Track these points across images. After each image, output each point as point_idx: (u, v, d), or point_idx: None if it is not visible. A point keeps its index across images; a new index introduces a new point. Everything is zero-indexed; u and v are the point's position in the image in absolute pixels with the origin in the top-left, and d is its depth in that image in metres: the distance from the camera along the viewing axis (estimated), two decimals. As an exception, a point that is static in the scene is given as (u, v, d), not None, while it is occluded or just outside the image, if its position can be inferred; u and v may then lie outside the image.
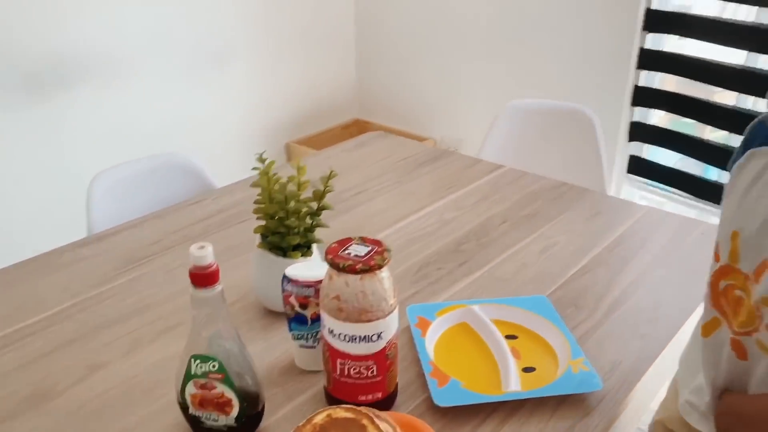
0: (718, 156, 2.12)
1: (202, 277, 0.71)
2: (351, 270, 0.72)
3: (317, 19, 2.77)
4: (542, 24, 2.34)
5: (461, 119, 2.71)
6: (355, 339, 0.75)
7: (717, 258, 0.73)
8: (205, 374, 0.74)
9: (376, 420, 0.69)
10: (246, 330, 0.97)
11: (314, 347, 0.87)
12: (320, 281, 0.82)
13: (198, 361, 0.74)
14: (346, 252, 0.75)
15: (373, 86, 3.01)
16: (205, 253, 0.70)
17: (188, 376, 0.75)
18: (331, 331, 0.76)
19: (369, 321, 0.74)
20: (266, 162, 0.95)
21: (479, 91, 2.62)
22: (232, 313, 1.00)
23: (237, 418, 0.76)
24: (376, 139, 1.71)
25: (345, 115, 3.05)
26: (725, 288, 0.72)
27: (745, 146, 0.75)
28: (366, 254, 0.74)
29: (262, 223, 0.97)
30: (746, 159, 0.73)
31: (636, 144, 2.31)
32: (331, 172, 0.96)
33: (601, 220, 1.29)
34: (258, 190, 0.97)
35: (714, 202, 2.18)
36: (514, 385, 0.84)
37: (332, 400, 0.81)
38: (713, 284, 0.73)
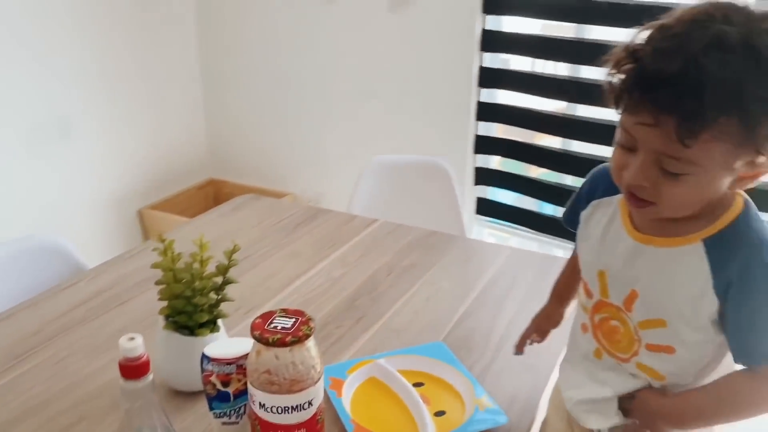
0: (550, 193, 2.37)
1: (134, 369, 0.70)
2: (281, 343, 0.76)
3: (162, 80, 2.74)
4: (392, 81, 2.50)
5: (318, 172, 2.79)
6: (288, 410, 0.78)
7: (589, 294, 0.86)
8: (140, 468, 0.73)
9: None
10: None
11: (237, 422, 0.88)
12: (241, 357, 0.84)
13: (131, 457, 0.72)
14: (273, 326, 0.78)
15: (225, 144, 3.01)
16: (135, 345, 0.70)
17: (120, 475, 0.73)
18: (262, 406, 0.78)
19: (300, 390, 0.77)
20: (165, 242, 0.96)
21: (334, 144, 2.71)
22: (137, 398, 0.98)
23: (174, 508, 0.75)
24: (249, 202, 1.73)
25: (199, 175, 3.01)
26: (600, 321, 0.84)
27: (588, 194, 0.89)
28: (292, 326, 0.78)
29: (164, 303, 0.97)
30: (592, 208, 0.88)
31: (481, 187, 2.53)
32: (235, 245, 0.98)
33: (474, 264, 1.41)
34: (158, 271, 0.97)
35: (551, 234, 2.42)
36: (430, 430, 0.91)
37: (264, 471, 0.82)
38: (591, 318, 0.85)
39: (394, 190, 1.92)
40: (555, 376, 1.05)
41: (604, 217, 0.85)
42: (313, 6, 2.54)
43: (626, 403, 0.82)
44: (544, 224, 2.44)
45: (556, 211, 2.46)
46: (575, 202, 0.93)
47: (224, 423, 0.88)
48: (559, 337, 1.13)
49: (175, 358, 0.96)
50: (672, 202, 0.72)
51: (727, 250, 0.72)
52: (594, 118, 2.22)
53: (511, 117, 2.39)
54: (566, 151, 2.35)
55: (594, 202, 0.88)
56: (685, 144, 0.65)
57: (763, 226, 0.74)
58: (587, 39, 2.17)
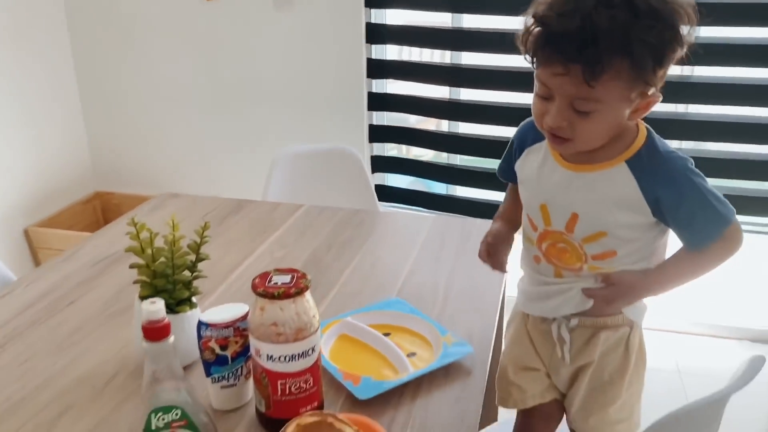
0: (442, 173, 2.55)
1: (157, 331, 0.75)
2: (286, 296, 0.83)
3: (38, 95, 2.61)
4: (282, 79, 2.55)
5: (211, 174, 2.78)
6: (295, 357, 0.85)
7: (534, 227, 1.00)
8: (167, 425, 0.77)
9: (338, 417, 0.80)
10: (146, 393, 0.98)
11: (235, 384, 0.93)
12: (237, 320, 0.90)
13: (160, 413, 0.76)
14: (272, 283, 0.85)
15: (108, 156, 2.91)
16: (158, 308, 0.74)
17: (148, 433, 0.77)
18: (270, 357, 0.85)
19: (304, 338, 0.85)
20: (137, 225, 0.98)
21: (224, 145, 2.72)
22: (119, 385, 1.00)
23: (200, 461, 0.80)
24: (168, 201, 1.73)
25: (84, 189, 2.89)
26: (548, 248, 0.99)
27: (519, 145, 1.05)
28: (291, 280, 0.85)
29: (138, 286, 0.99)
30: (525, 154, 1.03)
31: (379, 174, 2.66)
32: (206, 223, 1.02)
33: (404, 233, 1.53)
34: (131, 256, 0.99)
35: (444, 211, 2.59)
36: (409, 368, 1.01)
37: (271, 422, 0.88)
38: (539, 247, 1.00)
39: (305, 179, 1.99)
40: (501, 312, 1.20)
41: (537, 159, 1.00)
42: (193, 7, 2.54)
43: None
44: (436, 203, 2.62)
45: (447, 189, 2.65)
46: (507, 156, 1.07)
47: (223, 387, 0.92)
48: (493, 280, 1.28)
49: (157, 337, 0.99)
50: (586, 136, 0.89)
51: (648, 166, 0.89)
52: (476, 101, 2.43)
53: (401, 105, 2.54)
54: (453, 133, 2.54)
55: (527, 150, 1.03)
56: (591, 85, 0.82)
57: (665, 143, 0.93)
58: (465, 27, 2.36)
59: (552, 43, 0.83)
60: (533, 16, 0.86)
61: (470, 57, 2.39)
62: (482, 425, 1.51)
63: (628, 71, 0.82)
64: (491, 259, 1.09)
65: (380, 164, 2.64)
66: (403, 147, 2.70)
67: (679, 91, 2.15)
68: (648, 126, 0.94)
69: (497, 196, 2.48)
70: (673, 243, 0.98)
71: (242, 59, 2.58)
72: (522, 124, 1.06)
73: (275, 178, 1.94)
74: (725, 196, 0.91)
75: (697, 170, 0.90)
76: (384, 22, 2.45)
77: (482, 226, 1.52)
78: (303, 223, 1.58)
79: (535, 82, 0.90)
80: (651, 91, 0.87)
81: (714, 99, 2.14)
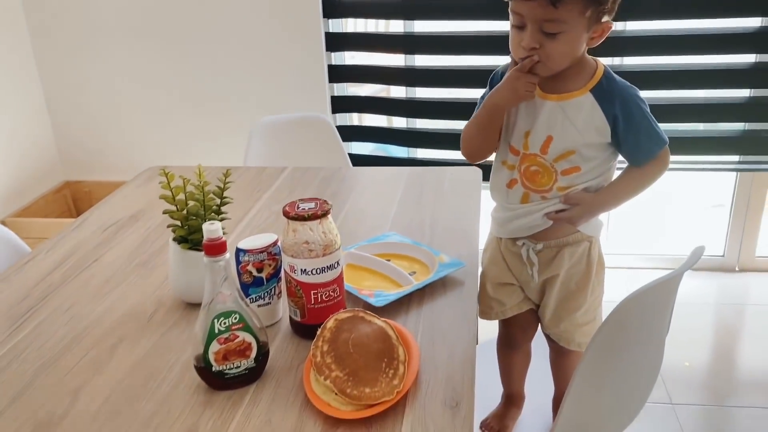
0: (404, 138, 2.72)
1: (217, 247, 0.89)
2: (314, 217, 0.98)
3: (1, 89, 2.65)
4: (244, 56, 2.67)
5: (183, 152, 2.86)
6: (324, 269, 1.00)
7: (516, 152, 1.18)
8: (228, 328, 0.92)
9: (368, 313, 0.97)
10: (187, 326, 1.11)
11: (270, 303, 1.08)
12: (269, 245, 1.05)
13: (221, 318, 0.91)
14: (301, 209, 1.00)
15: (75, 145, 2.96)
16: (216, 227, 0.89)
17: (211, 336, 0.91)
18: (304, 271, 1.00)
19: (331, 253, 1.00)
20: (168, 174, 1.11)
21: (191, 123, 2.81)
22: (160, 319, 1.14)
23: (255, 358, 0.95)
24: (153, 175, 1.84)
25: (53, 179, 2.94)
26: (525, 169, 1.17)
27: (491, 88, 1.22)
28: (317, 206, 1.00)
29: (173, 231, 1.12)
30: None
31: (344, 143, 2.80)
32: (228, 170, 1.16)
33: (386, 183, 1.69)
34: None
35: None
36: (413, 282, 1.18)
37: (305, 328, 1.04)
38: (519, 169, 1.18)
39: (282, 147, 2.12)
40: (482, 238, 1.38)
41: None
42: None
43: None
44: (399, 166, 2.78)
45: (408, 152, 2.82)
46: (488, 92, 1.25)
47: (260, 305, 1.07)
48: (469, 212, 1.46)
49: (192, 272, 1.12)
50: (555, 55, 1.07)
51: (607, 94, 1.09)
52: (430, 67, 2.60)
53: (361, 75, 2.69)
54: (411, 98, 2.70)
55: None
56: (555, 6, 1.00)
57: (618, 76, 1.12)
58: (416, -2, 2.52)
59: None
60: None
61: (423, 25, 2.55)
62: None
63: None
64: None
65: (344, 134, 2.78)
66: (365, 116, 2.85)
67: (616, 44, 2.37)
68: (603, 63, 1.13)
69: (457, 155, 2.67)
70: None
71: (204, 39, 2.67)
72: (501, 66, 1.23)
73: (253, 148, 2.07)
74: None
75: (643, 97, 1.11)
76: (339, -2, 2.59)
77: (454, 173, 1.71)
78: (291, 182, 1.73)
79: (510, 15, 1.08)
80: (605, 18, 1.05)
81: (646, 50, 2.37)
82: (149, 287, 1.24)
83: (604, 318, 1.25)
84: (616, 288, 1.31)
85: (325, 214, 0.99)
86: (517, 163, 1.18)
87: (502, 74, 1.21)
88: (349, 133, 2.78)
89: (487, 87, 1.24)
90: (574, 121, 1.10)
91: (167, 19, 2.66)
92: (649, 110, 1.11)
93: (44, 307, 1.19)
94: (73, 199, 2.99)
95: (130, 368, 1.01)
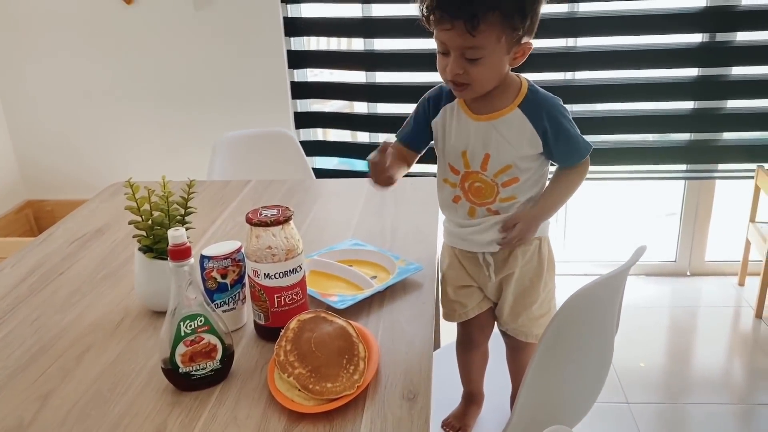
0: (366, 151, 2.77)
1: (180, 252, 0.93)
2: (277, 223, 1.03)
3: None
4: (207, 75, 2.70)
5: (145, 169, 2.88)
6: (287, 273, 1.05)
7: (456, 171, 1.24)
8: (194, 331, 0.95)
9: (330, 313, 1.02)
10: (153, 332, 1.14)
11: (234, 308, 1.12)
12: (233, 252, 1.09)
13: (187, 321, 0.95)
14: (263, 216, 1.04)
15: (36, 164, 2.95)
16: (180, 233, 0.93)
17: (178, 339, 0.95)
18: (267, 275, 1.04)
19: (293, 257, 1.05)
20: (133, 186, 1.14)
21: (153, 142, 2.83)
22: (128, 326, 1.16)
23: (221, 360, 0.98)
24: (120, 189, 1.86)
25: (14, 199, 2.92)
26: (469, 186, 1.23)
27: (435, 105, 1.28)
28: (279, 212, 1.05)
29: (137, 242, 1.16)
30: (442, 113, 1.26)
31: (308, 158, 2.84)
32: (192, 181, 1.20)
33: (348, 194, 1.74)
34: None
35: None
36: (374, 285, 1.23)
37: (269, 331, 1.08)
38: (462, 187, 1.24)
39: (246, 162, 2.16)
40: (438, 243, 1.44)
41: (453, 116, 1.24)
42: (112, 8, 2.63)
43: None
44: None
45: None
46: (415, 125, 1.30)
47: (224, 311, 1.11)
48: (429, 219, 1.52)
49: (157, 281, 1.15)
50: (479, 79, 1.13)
51: (534, 108, 1.16)
52: (391, 83, 2.67)
53: (323, 92, 2.75)
54: (373, 113, 2.77)
55: (442, 108, 1.26)
56: (473, 35, 1.06)
57: (541, 89, 1.20)
58: (375, 16, 2.60)
59: (439, 7, 1.07)
60: None
61: (382, 43, 2.63)
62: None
63: (500, 22, 1.06)
64: (378, 167, 1.24)
65: (308, 149, 2.83)
66: (328, 131, 2.91)
67: (565, 59, 2.47)
68: (526, 78, 1.20)
69: (418, 167, 2.73)
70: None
71: (166, 58, 2.70)
72: (427, 95, 1.29)
73: (217, 163, 2.10)
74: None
75: (565, 107, 1.19)
76: (300, 16, 2.64)
77: (414, 183, 1.77)
78: (255, 194, 1.77)
79: (436, 43, 1.14)
80: (524, 39, 1.12)
81: (597, 65, 2.48)
82: (116, 297, 1.26)
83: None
84: (571, 292, 1.38)
85: (287, 220, 1.04)
86: (459, 181, 1.24)
87: (439, 95, 1.26)
88: (313, 148, 2.83)
89: (416, 113, 1.30)
90: (508, 138, 1.17)
91: (129, 38, 2.68)
92: (571, 119, 1.20)
93: (11, 318, 1.21)
94: (35, 218, 2.98)
95: (98, 374, 1.03)
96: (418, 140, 1.30)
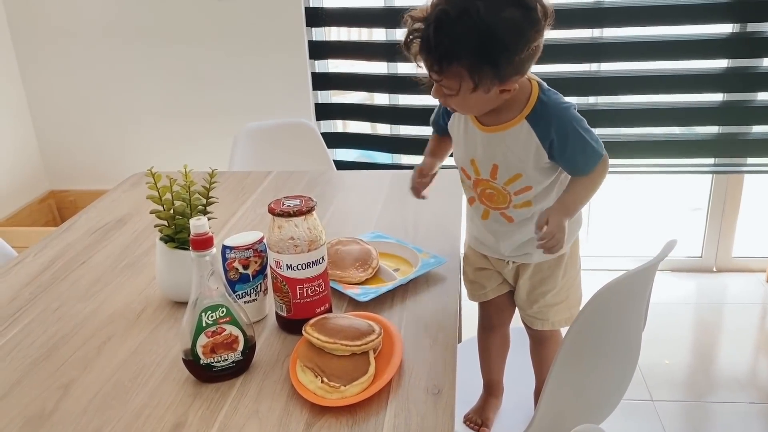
0: (387, 144, 2.76)
1: (203, 242, 0.91)
2: (299, 213, 1.01)
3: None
4: (230, 65, 2.70)
5: (166, 160, 2.88)
6: (309, 265, 1.03)
7: (468, 176, 1.21)
8: (215, 322, 0.94)
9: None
10: (174, 323, 1.13)
11: (256, 299, 1.10)
12: (255, 243, 1.08)
13: (209, 312, 0.93)
14: (286, 206, 1.03)
15: (59, 154, 2.97)
16: (203, 222, 0.91)
17: (199, 330, 0.94)
18: (289, 266, 1.02)
19: (316, 249, 1.03)
20: (155, 175, 1.14)
21: (176, 132, 2.83)
22: (149, 317, 1.16)
23: (242, 351, 0.97)
24: (143, 179, 1.85)
25: (37, 189, 2.94)
26: (481, 192, 1.21)
27: (446, 113, 1.25)
28: (301, 203, 1.03)
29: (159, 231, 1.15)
30: (452, 118, 1.24)
31: (328, 150, 2.83)
32: (213, 170, 1.19)
33: (370, 185, 1.72)
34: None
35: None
36: (397, 278, 1.21)
37: (291, 323, 1.06)
38: (475, 191, 1.21)
39: (267, 153, 2.15)
40: (462, 235, 1.41)
41: (461, 124, 1.22)
42: (134, 1, 2.64)
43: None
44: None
45: (391, 158, 2.86)
46: (438, 111, 1.29)
47: (246, 302, 1.09)
48: (451, 211, 1.50)
49: (178, 271, 1.14)
50: (462, 109, 1.11)
51: (542, 118, 1.11)
52: (412, 74, 2.64)
53: (344, 83, 2.73)
54: (395, 105, 2.74)
55: (454, 114, 1.24)
56: (439, 78, 1.04)
57: (556, 94, 1.14)
58: (397, 6, 2.57)
59: (414, 51, 1.06)
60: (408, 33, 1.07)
61: (404, 33, 2.59)
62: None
63: (468, 72, 1.01)
64: (415, 191, 1.31)
65: (329, 140, 2.81)
66: (349, 123, 2.89)
67: (590, 50, 2.43)
68: (540, 81, 1.15)
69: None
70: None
71: (188, 48, 2.70)
72: None
73: (238, 153, 2.10)
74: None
75: (579, 115, 1.12)
76: (321, 6, 2.62)
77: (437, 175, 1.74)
78: (276, 185, 1.75)
79: None
80: (509, 80, 1.04)
81: (623, 56, 2.43)
82: (137, 287, 1.26)
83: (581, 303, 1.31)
84: (596, 288, 1.35)
85: (309, 211, 1.02)
86: (472, 185, 1.22)
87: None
88: (334, 140, 2.81)
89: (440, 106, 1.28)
90: (514, 150, 1.13)
91: (153, 28, 2.68)
92: (585, 125, 1.12)
93: (33, 307, 1.21)
94: (58, 208, 3.00)
95: (119, 364, 1.03)
96: (441, 130, 1.28)
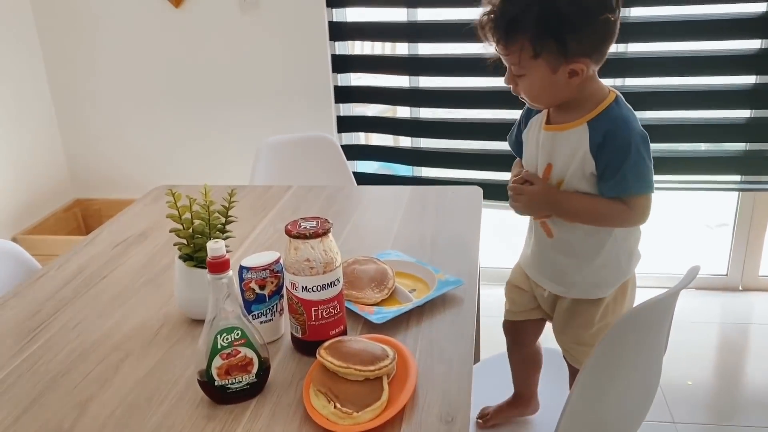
0: (408, 156, 2.76)
1: (219, 265, 0.92)
2: (315, 235, 1.01)
3: (12, 107, 2.71)
4: (252, 78, 2.72)
5: (190, 173, 2.92)
6: (325, 287, 1.03)
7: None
8: (230, 344, 0.94)
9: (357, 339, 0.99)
10: (192, 341, 1.14)
11: (272, 320, 1.11)
12: (272, 263, 1.08)
13: (224, 334, 0.94)
14: (302, 227, 1.03)
15: (85, 163, 3.01)
16: (219, 246, 0.92)
17: (214, 352, 0.94)
18: (305, 288, 1.03)
19: (331, 270, 1.03)
20: (175, 194, 1.15)
21: (201, 144, 2.87)
22: (166, 335, 1.17)
23: (257, 374, 0.97)
24: (161, 193, 1.88)
25: (63, 197, 2.99)
26: None
27: (527, 116, 1.27)
28: (318, 224, 1.04)
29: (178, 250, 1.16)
30: (529, 125, 1.24)
31: (349, 162, 2.84)
32: (233, 190, 1.20)
33: (388, 200, 1.72)
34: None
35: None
36: (412, 299, 1.20)
37: (305, 344, 1.06)
38: None
39: (288, 166, 2.16)
40: (480, 255, 1.40)
41: (533, 127, 1.23)
42: (162, 12, 2.67)
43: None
44: (405, 184, 2.81)
45: (413, 171, 2.86)
46: (516, 129, 1.30)
47: (262, 322, 1.10)
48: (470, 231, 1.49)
49: (197, 290, 1.15)
50: (528, 94, 1.14)
51: (602, 126, 1.11)
52: (435, 88, 2.64)
53: (366, 96, 2.74)
54: (416, 118, 2.74)
55: (531, 120, 1.26)
56: (506, 54, 1.09)
57: (629, 111, 1.14)
58: (420, 21, 2.57)
59: (487, 24, 1.10)
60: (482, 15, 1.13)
61: (426, 48, 2.60)
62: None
63: (531, 44, 1.06)
64: None
65: (350, 153, 2.82)
66: (371, 135, 2.89)
67: (614, 65, 2.40)
68: (619, 94, 1.15)
69: (461, 174, 2.71)
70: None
71: (213, 61, 2.73)
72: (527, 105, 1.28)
73: (259, 168, 2.11)
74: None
75: (645, 144, 1.11)
76: (345, 20, 2.64)
77: (455, 192, 1.74)
78: (296, 200, 1.76)
79: None
80: (575, 60, 1.07)
81: (649, 71, 2.40)
82: (156, 304, 1.27)
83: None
84: None
85: (326, 233, 1.02)
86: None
87: (530, 109, 1.25)
88: (355, 152, 2.82)
89: (518, 124, 1.30)
90: (564, 151, 1.13)
91: (177, 40, 2.72)
92: (647, 151, 1.10)
93: (54, 322, 1.23)
94: (83, 217, 3.04)
95: (135, 383, 1.04)
96: (519, 151, 1.31)
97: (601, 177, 1.13)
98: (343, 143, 2.79)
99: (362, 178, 2.84)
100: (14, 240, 2.68)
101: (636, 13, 2.33)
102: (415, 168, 2.82)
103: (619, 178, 1.11)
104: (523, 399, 1.46)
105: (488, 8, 1.10)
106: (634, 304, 1.29)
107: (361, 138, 2.91)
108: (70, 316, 1.24)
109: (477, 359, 1.81)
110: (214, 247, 0.91)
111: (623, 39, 2.37)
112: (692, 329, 2.42)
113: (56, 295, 1.32)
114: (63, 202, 2.99)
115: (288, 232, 1.03)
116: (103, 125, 2.93)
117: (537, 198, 1.18)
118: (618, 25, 1.09)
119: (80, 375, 1.06)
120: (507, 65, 1.13)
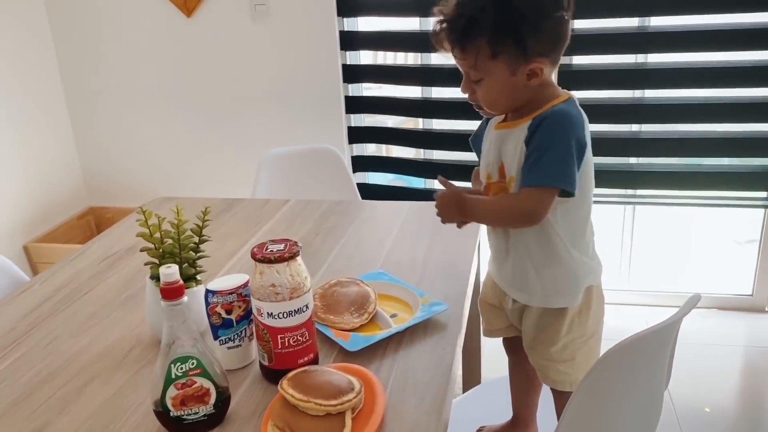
0: (419, 168, 2.70)
1: (173, 291, 0.88)
2: (281, 259, 0.96)
3: (27, 114, 2.73)
4: (264, 87, 2.70)
5: (201, 183, 2.91)
6: (291, 313, 0.98)
7: (488, 178, 1.16)
8: (185, 374, 0.90)
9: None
10: (161, 361, 1.10)
11: (240, 345, 1.06)
12: (239, 287, 1.04)
13: (178, 363, 0.89)
14: (269, 250, 0.98)
15: (99, 172, 3.03)
16: (173, 271, 0.87)
17: (168, 382, 0.90)
18: (270, 314, 0.98)
19: (299, 296, 0.98)
20: (146, 212, 1.11)
21: (213, 154, 2.85)
22: (136, 356, 1.13)
23: (215, 405, 0.93)
24: (162, 203, 1.86)
25: (77, 205, 3.01)
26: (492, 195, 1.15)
27: (487, 120, 1.21)
28: (285, 248, 0.99)
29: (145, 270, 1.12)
30: (487, 125, 1.19)
31: (360, 173, 2.79)
32: (207, 208, 1.16)
33: (384, 218, 1.67)
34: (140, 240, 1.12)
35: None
36: (392, 325, 1.14)
37: (272, 373, 1.01)
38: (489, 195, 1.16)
39: (291, 179, 2.12)
40: (471, 278, 1.34)
41: (491, 126, 1.18)
42: (175, 23, 2.67)
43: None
44: (416, 196, 2.76)
45: (424, 183, 2.80)
46: (479, 129, 1.25)
47: (229, 348, 1.05)
48: (463, 249, 1.43)
49: (168, 311, 1.11)
50: (486, 100, 1.10)
51: (539, 117, 1.05)
52: (446, 98, 2.58)
53: (377, 107, 2.69)
54: (428, 129, 2.68)
55: (490, 121, 1.20)
56: (462, 52, 1.05)
57: (578, 112, 1.07)
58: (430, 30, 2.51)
59: (442, 32, 1.08)
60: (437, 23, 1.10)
61: (439, 58, 2.54)
62: (466, 387, 1.66)
63: (488, 46, 1.02)
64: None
65: (360, 164, 2.78)
66: (382, 146, 2.84)
67: (634, 76, 2.31)
68: (574, 98, 1.09)
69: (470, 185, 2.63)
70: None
71: (224, 71, 2.71)
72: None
73: (262, 179, 2.07)
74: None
75: (578, 135, 1.04)
76: (356, 29, 2.59)
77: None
78: (291, 215, 1.72)
79: None
80: (534, 60, 1.03)
81: (671, 82, 2.30)
82: (131, 323, 1.23)
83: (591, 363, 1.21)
84: (635, 325, 1.24)
85: (293, 257, 0.97)
86: (483, 189, 1.18)
87: (485, 119, 1.21)
88: (366, 163, 2.77)
89: (483, 121, 1.24)
90: (509, 148, 1.09)
91: (189, 50, 2.71)
92: (570, 147, 1.03)
93: (27, 340, 1.20)
94: (97, 225, 3.05)
95: (95, 409, 1.00)
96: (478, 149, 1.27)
97: (524, 166, 1.07)
98: (354, 154, 2.75)
99: (374, 190, 2.79)
100: (24, 249, 2.70)
101: (658, 22, 2.23)
102: (428, 180, 2.76)
103: (529, 169, 1.05)
104: (521, 422, 1.39)
105: (441, 17, 1.08)
106: (604, 318, 1.22)
107: (382, 149, 2.86)
108: (43, 334, 1.22)
109: (477, 381, 1.74)
110: (167, 273, 0.87)
111: (643, 48, 2.28)
112: (713, 352, 2.30)
113: (34, 312, 1.30)
114: (77, 210, 3.01)
115: (253, 256, 0.98)
116: (119, 134, 2.94)
117: (446, 203, 1.16)
118: (570, 26, 1.07)
119: (41, 399, 1.03)
120: (463, 72, 1.09)
